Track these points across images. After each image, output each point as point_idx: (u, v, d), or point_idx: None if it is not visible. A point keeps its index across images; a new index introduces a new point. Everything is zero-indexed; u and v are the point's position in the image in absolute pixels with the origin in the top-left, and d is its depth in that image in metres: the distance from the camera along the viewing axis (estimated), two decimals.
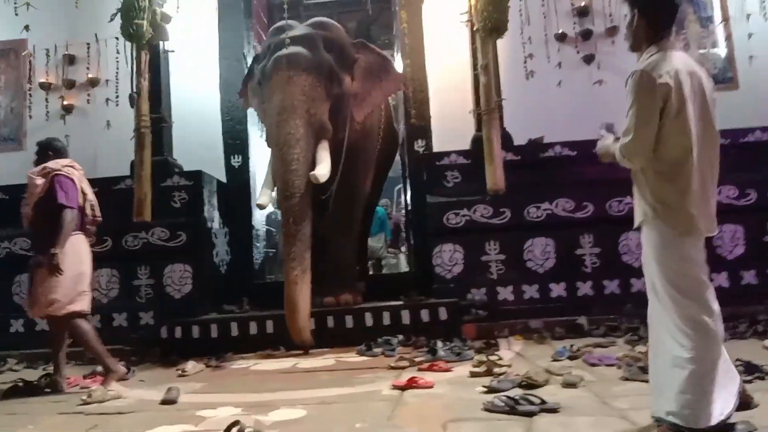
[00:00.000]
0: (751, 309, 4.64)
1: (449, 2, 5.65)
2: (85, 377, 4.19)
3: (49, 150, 4.11)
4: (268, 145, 4.80)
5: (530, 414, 2.65)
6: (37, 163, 4.10)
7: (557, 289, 5.10)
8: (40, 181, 3.93)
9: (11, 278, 5.55)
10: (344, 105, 4.87)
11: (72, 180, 3.97)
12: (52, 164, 3.99)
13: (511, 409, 2.72)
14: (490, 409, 2.77)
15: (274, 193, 4.73)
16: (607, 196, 5.14)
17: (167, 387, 3.50)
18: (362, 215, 5.61)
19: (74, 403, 3.48)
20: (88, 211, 4.10)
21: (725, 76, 6.13)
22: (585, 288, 5.09)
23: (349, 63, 4.99)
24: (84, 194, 4.06)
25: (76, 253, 3.93)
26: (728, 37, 6.02)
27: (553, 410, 2.69)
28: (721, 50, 6.17)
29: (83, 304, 3.92)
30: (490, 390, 3.09)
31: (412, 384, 3.34)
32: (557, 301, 5.06)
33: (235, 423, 2.56)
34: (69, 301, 3.85)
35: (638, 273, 4.95)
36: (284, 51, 4.63)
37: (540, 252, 5.18)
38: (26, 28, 5.81)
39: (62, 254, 3.75)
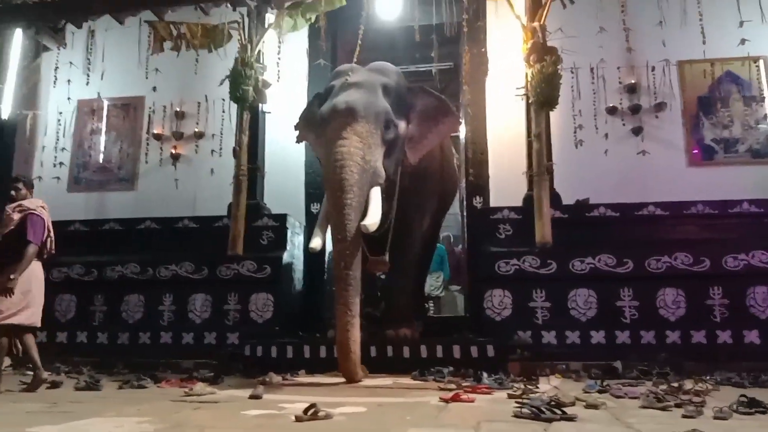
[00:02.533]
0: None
1: (509, 78, 6.45)
2: (182, 380, 4.99)
3: (27, 186, 4.97)
4: (324, 187, 4.99)
5: (550, 420, 3.22)
6: (13, 198, 4.87)
7: (597, 336, 5.56)
8: (16, 216, 4.76)
9: (120, 298, 6.47)
10: (397, 149, 5.09)
11: (43, 220, 4.81)
12: (28, 203, 4.85)
13: (536, 416, 3.29)
14: (518, 415, 3.35)
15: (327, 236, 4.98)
16: (646, 255, 5.60)
17: (253, 388, 4.26)
18: (420, 254, 5.99)
19: (178, 395, 4.27)
20: (48, 245, 4.90)
21: (767, 151, 6.63)
22: (623, 337, 5.52)
23: (405, 108, 5.17)
24: (48, 231, 4.88)
25: (28, 277, 4.70)
26: (763, 118, 6.54)
27: (571, 419, 3.25)
28: (764, 127, 6.68)
29: (22, 318, 4.65)
30: (522, 405, 3.66)
31: (456, 398, 3.96)
32: (596, 347, 5.50)
33: (312, 405, 3.26)
34: (10, 314, 4.58)
35: (673, 326, 5.49)
36: (344, 97, 4.83)
37: (583, 302, 5.65)
38: (153, 89, 7.06)
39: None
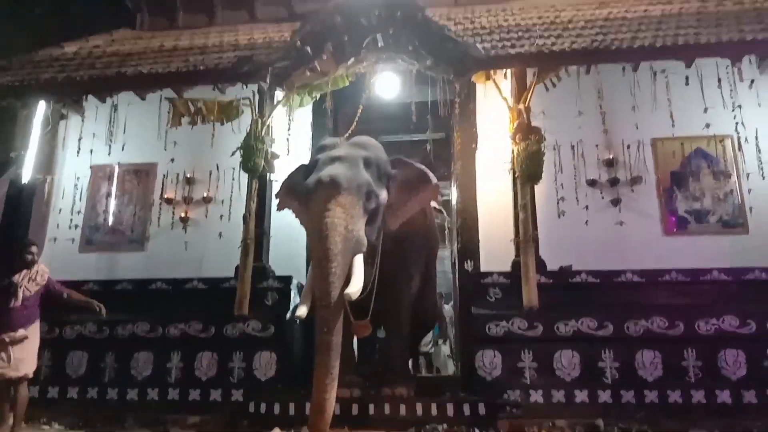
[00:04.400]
0: (747, 423, 5.38)
1: (497, 153, 7.00)
2: None
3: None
4: (310, 257, 5.26)
5: None
6: (31, 260, 5.47)
7: (581, 396, 5.88)
8: (45, 277, 5.46)
9: (131, 355, 6.77)
10: (378, 216, 5.36)
11: None
12: (45, 267, 5.57)
13: None
14: None
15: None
16: (625, 318, 6.00)
17: None
18: (411, 314, 6.10)
19: None
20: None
21: (737, 222, 7.17)
22: (605, 396, 5.85)
23: (385, 178, 5.49)
24: None
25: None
26: (730, 192, 7.15)
27: None
28: (734, 199, 7.23)
29: (22, 370, 5.19)
30: None
31: None
32: (580, 406, 5.83)
33: None
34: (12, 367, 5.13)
35: (651, 386, 5.86)
36: (328, 171, 5.11)
37: (567, 362, 6.00)
38: (172, 160, 7.58)
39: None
